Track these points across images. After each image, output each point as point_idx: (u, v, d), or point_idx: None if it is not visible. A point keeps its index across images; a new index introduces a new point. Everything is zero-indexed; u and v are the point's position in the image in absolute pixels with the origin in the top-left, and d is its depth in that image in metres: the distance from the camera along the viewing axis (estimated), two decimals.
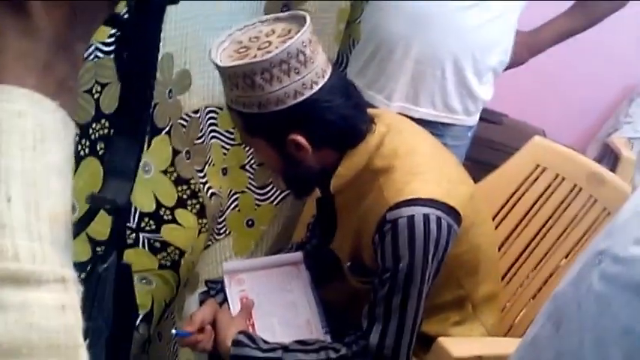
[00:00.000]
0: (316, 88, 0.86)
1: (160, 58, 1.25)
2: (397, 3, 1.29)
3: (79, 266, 0.39)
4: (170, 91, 1.22)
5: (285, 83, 0.84)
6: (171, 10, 1.23)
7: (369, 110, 0.99)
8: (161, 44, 1.26)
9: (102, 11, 0.32)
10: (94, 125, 1.10)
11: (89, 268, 0.38)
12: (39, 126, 0.28)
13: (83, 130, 1.05)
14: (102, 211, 1.20)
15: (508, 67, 1.40)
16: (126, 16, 0.33)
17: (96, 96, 1.07)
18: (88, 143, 1.09)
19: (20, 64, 0.28)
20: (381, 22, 1.33)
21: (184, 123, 1.29)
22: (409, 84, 1.32)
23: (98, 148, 1.12)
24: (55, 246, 0.27)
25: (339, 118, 0.88)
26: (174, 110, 1.25)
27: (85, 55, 1.00)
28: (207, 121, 1.39)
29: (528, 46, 1.43)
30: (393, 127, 0.96)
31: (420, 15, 1.26)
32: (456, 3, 1.25)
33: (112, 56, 1.01)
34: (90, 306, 0.36)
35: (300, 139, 0.89)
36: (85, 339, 0.27)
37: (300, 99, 0.85)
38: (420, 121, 1.28)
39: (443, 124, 1.36)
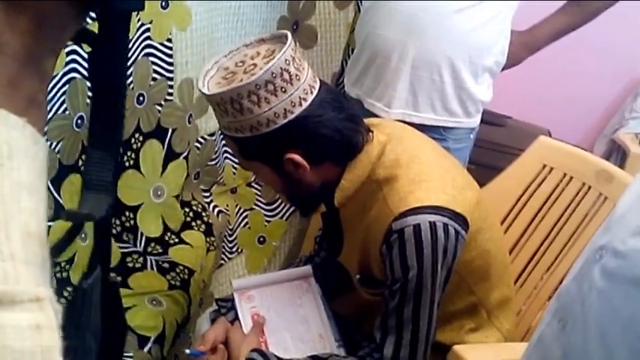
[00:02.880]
0: (305, 104, 0.86)
1: (179, 83, 1.25)
2: (390, 10, 1.29)
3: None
4: (190, 115, 1.23)
5: (273, 104, 0.84)
6: (189, 36, 1.23)
7: (368, 120, 0.98)
8: (181, 70, 1.25)
9: (68, 24, 0.31)
10: None
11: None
12: (6, 143, 0.27)
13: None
14: None
15: (506, 67, 1.40)
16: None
17: None
18: None
19: None
20: (375, 30, 1.33)
21: (199, 145, 1.30)
22: (408, 90, 1.32)
23: None
24: (29, 265, 0.26)
25: (332, 132, 0.88)
26: (192, 134, 1.26)
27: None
28: (221, 142, 1.40)
29: (526, 45, 1.42)
30: (393, 135, 0.95)
31: (413, 21, 1.27)
32: (449, 7, 1.25)
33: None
34: (77, 323, 0.35)
35: (297, 157, 0.88)
36: (67, 357, 0.27)
37: (291, 117, 0.85)
38: (421, 126, 1.27)
39: (444, 127, 1.35)
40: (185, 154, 1.23)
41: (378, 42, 1.32)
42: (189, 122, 1.24)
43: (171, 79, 1.16)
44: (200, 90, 0.87)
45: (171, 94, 1.17)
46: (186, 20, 1.15)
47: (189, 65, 1.19)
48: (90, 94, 1.07)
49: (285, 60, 0.84)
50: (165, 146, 1.19)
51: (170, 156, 1.20)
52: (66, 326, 0.27)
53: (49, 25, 0.29)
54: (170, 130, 1.19)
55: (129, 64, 1.07)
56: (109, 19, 0.33)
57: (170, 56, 1.14)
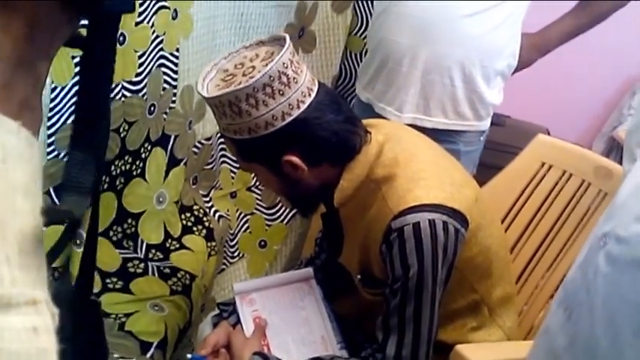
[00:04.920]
0: (303, 107, 0.86)
1: (181, 90, 1.26)
2: (401, 15, 1.30)
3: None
4: (190, 122, 1.24)
5: (271, 106, 0.84)
6: (191, 43, 1.25)
7: (366, 121, 0.99)
8: (183, 77, 1.27)
9: (61, 28, 0.31)
10: (116, 162, 1.11)
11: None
12: (0, 146, 0.27)
13: (105, 168, 1.07)
14: (108, 243, 1.19)
15: (517, 70, 1.40)
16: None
17: (122, 134, 1.09)
18: (108, 179, 1.10)
19: None
20: (387, 35, 1.34)
21: (196, 150, 1.30)
22: (419, 94, 1.33)
23: (117, 183, 1.13)
24: (25, 268, 0.26)
25: (330, 134, 0.88)
26: (191, 140, 1.27)
27: (112, 95, 1.02)
28: (218, 147, 1.40)
29: (536, 47, 1.42)
30: (391, 135, 0.96)
31: (425, 25, 1.27)
32: (460, 11, 1.25)
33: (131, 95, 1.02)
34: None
35: (295, 159, 0.89)
36: None
37: (289, 120, 0.86)
38: (433, 130, 1.28)
39: (455, 131, 1.36)
40: (185, 159, 1.24)
41: (390, 47, 1.33)
42: (190, 128, 1.24)
43: (175, 87, 1.17)
44: (199, 92, 0.88)
45: (174, 102, 1.18)
46: (189, 28, 1.16)
47: (190, 72, 1.20)
48: None
49: (283, 63, 0.84)
50: (168, 153, 1.20)
51: (172, 163, 1.21)
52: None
53: (41, 28, 0.29)
54: (172, 137, 1.19)
55: (143, 75, 1.08)
56: (99, 22, 0.33)
57: (177, 65, 1.15)
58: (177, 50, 1.14)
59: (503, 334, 1.07)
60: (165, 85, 1.15)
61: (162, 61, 1.12)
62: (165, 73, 1.14)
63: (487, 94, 1.33)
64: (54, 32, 0.30)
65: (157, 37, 1.09)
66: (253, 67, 0.87)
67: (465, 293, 1.01)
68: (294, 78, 0.85)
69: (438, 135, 1.14)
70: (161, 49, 1.11)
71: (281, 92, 0.84)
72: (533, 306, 1.24)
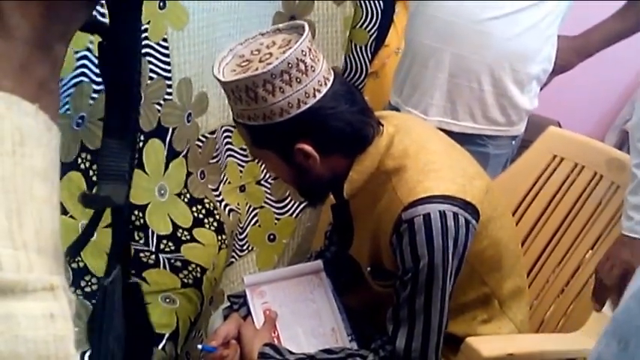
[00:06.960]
0: (319, 95, 0.86)
1: (177, 83, 1.25)
2: (428, 17, 1.28)
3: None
4: (189, 114, 1.24)
5: (287, 93, 0.84)
6: (186, 35, 1.25)
7: (377, 113, 0.98)
8: (179, 70, 1.27)
9: (80, 10, 0.30)
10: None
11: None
12: (18, 129, 0.26)
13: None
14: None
15: (556, 73, 1.37)
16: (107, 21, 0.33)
17: None
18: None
19: None
20: (415, 37, 1.33)
21: (200, 144, 1.31)
22: (445, 98, 1.31)
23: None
24: (42, 253, 0.26)
25: (344, 124, 0.88)
26: (192, 133, 1.27)
27: None
28: (223, 140, 1.41)
29: (577, 51, 1.39)
30: (401, 127, 0.95)
31: (449, 28, 1.25)
32: (486, 14, 1.23)
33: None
34: (99, 322, 0.35)
35: (308, 147, 0.89)
36: (91, 345, 0.26)
37: (304, 108, 0.86)
38: (461, 134, 1.26)
39: (486, 135, 1.34)
40: (184, 152, 1.24)
41: (417, 49, 1.32)
42: (188, 121, 1.24)
43: (169, 78, 1.17)
44: (215, 76, 0.88)
45: (170, 94, 1.18)
46: (183, 20, 1.16)
47: (187, 65, 1.19)
48: (93, 95, 1.08)
49: (302, 51, 0.84)
50: (167, 145, 1.20)
51: (171, 155, 1.21)
52: (90, 329, 0.27)
53: (59, 9, 0.29)
54: (170, 130, 1.19)
55: None
56: (120, 6, 0.33)
57: (166, 56, 1.15)
58: (165, 40, 1.14)
59: (514, 327, 1.07)
60: (153, 75, 1.14)
61: (147, 50, 1.11)
62: (151, 63, 1.13)
63: (519, 100, 1.30)
64: (71, 13, 0.30)
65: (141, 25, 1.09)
66: (270, 54, 0.87)
67: (475, 286, 1.01)
68: (311, 66, 0.85)
69: (467, 138, 1.11)
70: (145, 38, 1.10)
71: (298, 80, 0.84)
72: (544, 300, 1.23)
